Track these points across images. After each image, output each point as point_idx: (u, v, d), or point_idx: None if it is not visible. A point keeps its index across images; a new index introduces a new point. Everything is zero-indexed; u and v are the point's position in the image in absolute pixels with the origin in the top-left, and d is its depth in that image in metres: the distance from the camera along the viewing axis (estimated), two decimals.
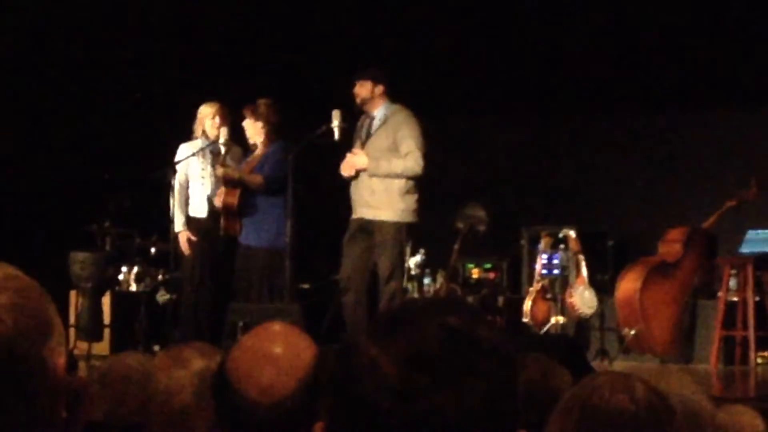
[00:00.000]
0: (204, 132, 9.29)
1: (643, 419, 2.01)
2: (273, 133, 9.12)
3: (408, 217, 8.61)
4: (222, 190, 9.10)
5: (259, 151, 9.18)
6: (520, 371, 2.80)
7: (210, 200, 9.27)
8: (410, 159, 8.54)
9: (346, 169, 8.70)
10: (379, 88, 8.69)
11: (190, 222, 9.28)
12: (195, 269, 9.21)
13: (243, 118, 9.23)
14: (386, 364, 1.39)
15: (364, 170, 8.63)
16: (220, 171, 9.11)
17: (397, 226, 8.58)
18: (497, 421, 1.41)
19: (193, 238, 9.19)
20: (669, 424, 2.04)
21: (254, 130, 9.16)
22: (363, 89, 8.69)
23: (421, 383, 1.38)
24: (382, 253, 8.56)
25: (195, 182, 9.31)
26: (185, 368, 2.77)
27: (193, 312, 9.17)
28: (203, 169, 9.30)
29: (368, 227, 8.62)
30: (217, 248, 9.29)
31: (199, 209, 9.31)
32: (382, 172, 8.57)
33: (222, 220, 9.14)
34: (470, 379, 1.39)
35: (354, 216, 8.74)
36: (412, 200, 8.61)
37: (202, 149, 9.24)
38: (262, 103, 9.14)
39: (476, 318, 1.45)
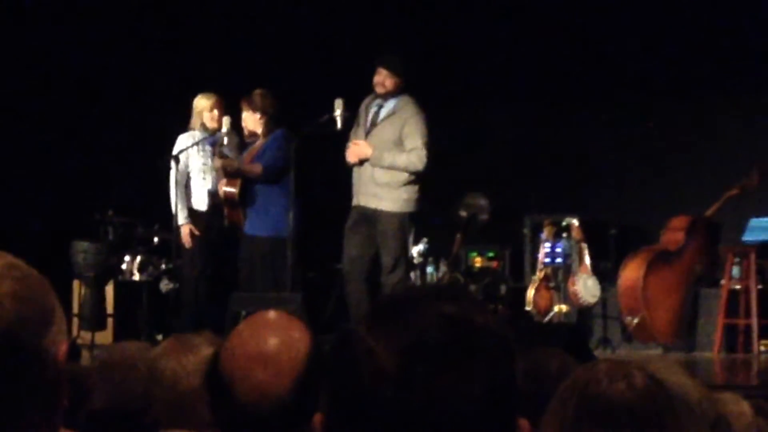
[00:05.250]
0: (203, 124, 9.21)
1: (641, 407, 2.01)
2: (271, 123, 9.07)
3: (410, 207, 8.57)
4: (223, 180, 9.06)
5: (259, 141, 9.15)
6: (544, 363, 2.79)
7: (211, 194, 9.19)
8: (414, 155, 8.49)
9: (352, 156, 8.67)
10: (398, 81, 8.61)
11: (192, 215, 9.20)
12: (195, 259, 9.16)
13: (241, 108, 9.18)
14: (384, 354, 1.37)
15: (367, 160, 8.60)
16: (218, 162, 9.05)
17: (399, 217, 8.55)
18: (497, 409, 1.39)
19: (196, 232, 9.13)
20: (668, 413, 2.04)
21: (253, 121, 9.12)
22: (383, 77, 8.60)
23: (420, 373, 1.36)
24: (384, 243, 8.53)
25: (196, 176, 9.21)
26: (193, 354, 2.75)
27: (194, 301, 9.13)
28: (204, 164, 9.21)
29: (370, 217, 8.58)
30: (217, 240, 9.23)
31: (201, 203, 9.24)
32: (385, 165, 8.53)
33: (225, 211, 9.11)
34: (469, 368, 1.37)
35: (355, 203, 8.70)
36: (413, 190, 8.57)
37: (202, 141, 9.14)
38: (256, 94, 9.07)
39: (474, 306, 1.43)
